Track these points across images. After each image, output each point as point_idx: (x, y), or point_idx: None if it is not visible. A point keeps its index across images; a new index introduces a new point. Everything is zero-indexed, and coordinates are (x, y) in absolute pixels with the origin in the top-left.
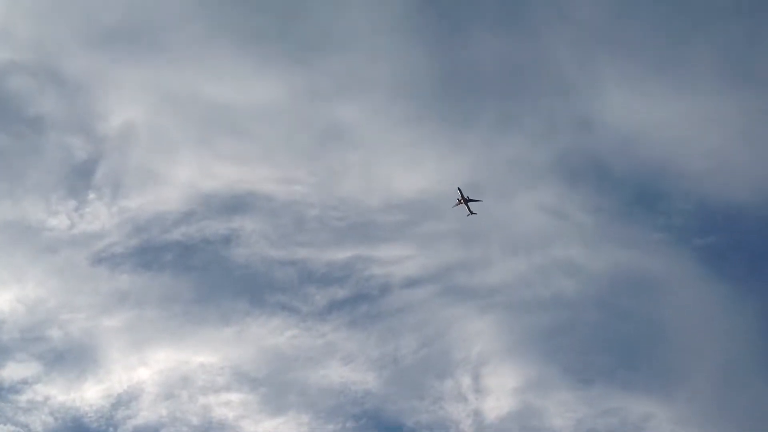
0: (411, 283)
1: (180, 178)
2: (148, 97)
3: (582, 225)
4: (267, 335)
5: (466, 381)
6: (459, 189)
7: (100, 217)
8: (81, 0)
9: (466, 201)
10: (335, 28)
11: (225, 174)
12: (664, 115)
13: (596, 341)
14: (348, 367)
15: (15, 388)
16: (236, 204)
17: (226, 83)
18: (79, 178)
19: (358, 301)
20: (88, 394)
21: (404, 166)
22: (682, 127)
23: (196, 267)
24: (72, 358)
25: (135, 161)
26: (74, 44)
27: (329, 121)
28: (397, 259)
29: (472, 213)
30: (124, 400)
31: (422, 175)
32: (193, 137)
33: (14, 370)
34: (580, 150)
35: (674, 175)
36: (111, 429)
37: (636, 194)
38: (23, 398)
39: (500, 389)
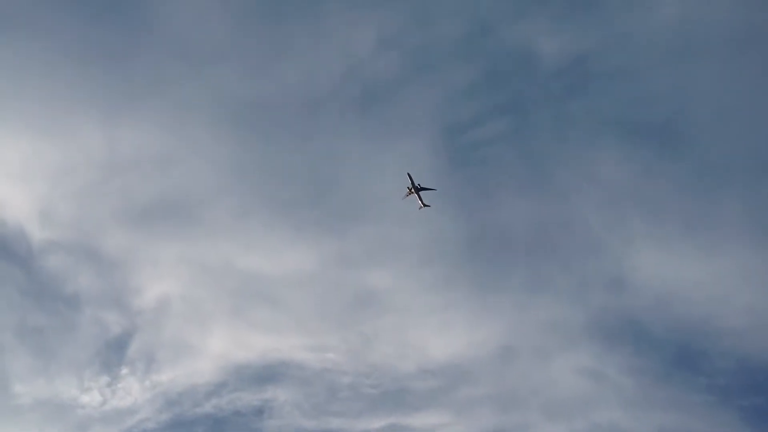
0: None
1: (213, 350)
2: (183, 271)
3: (622, 387)
4: None
5: None
6: (409, 175)
7: (132, 392)
8: (119, 180)
9: (417, 190)
10: (365, 197)
11: (257, 344)
12: (697, 273)
13: None
14: None
15: None
16: (268, 374)
17: (258, 253)
18: (113, 353)
19: None
20: None
21: (437, 330)
22: (717, 284)
23: None
24: None
25: (169, 334)
26: (111, 223)
27: (360, 287)
28: (433, 427)
29: (425, 205)
30: None
31: (455, 338)
32: (226, 308)
33: None
34: (615, 310)
35: (713, 334)
36: None
37: (675, 354)
38: None
39: None
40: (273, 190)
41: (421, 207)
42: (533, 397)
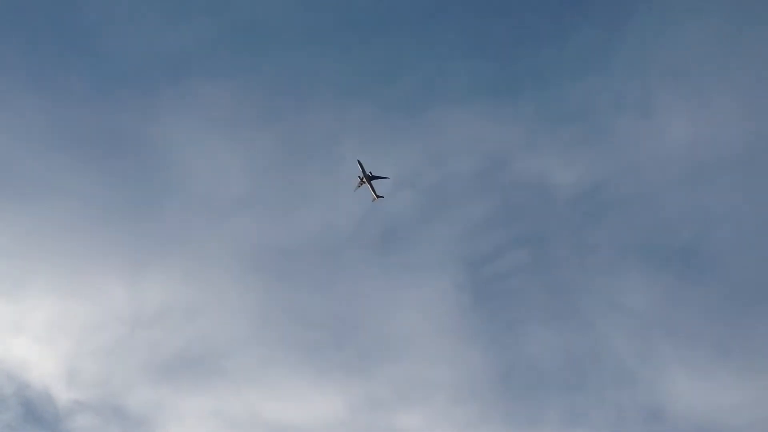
0: None
1: None
2: (209, 423)
3: None
4: None
5: None
6: (359, 162)
7: None
8: (144, 334)
9: (369, 179)
10: (391, 337)
11: None
12: (735, 397)
13: None
14: None
15: None
16: None
17: (285, 401)
18: None
19: None
20: None
21: None
22: (757, 407)
23: None
24: None
25: None
26: (138, 378)
27: (391, 430)
28: None
29: (378, 197)
30: None
31: None
32: None
33: None
34: None
35: None
36: None
37: None
38: None
39: None
40: (297, 336)
41: (374, 199)
42: None
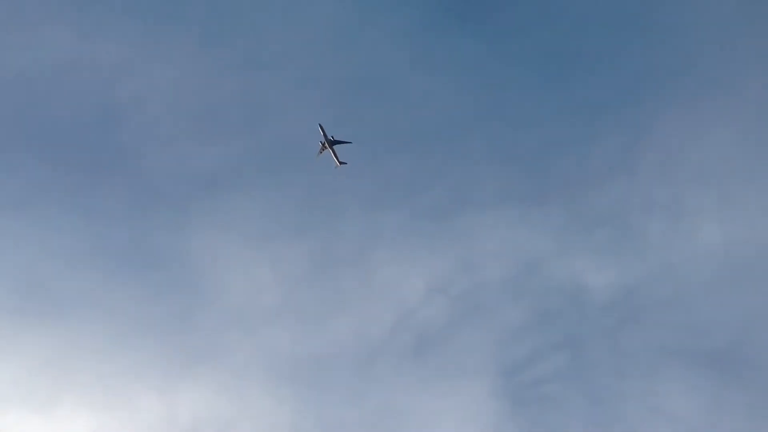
0: None
1: None
2: None
3: None
4: None
5: None
6: (320, 126)
7: None
8: None
9: (331, 144)
10: None
11: None
12: None
13: None
14: None
15: None
16: None
17: None
18: None
19: None
20: None
21: None
22: None
23: None
24: None
25: None
26: None
27: None
28: None
29: (341, 163)
30: None
31: None
32: None
33: None
34: None
35: None
36: None
37: None
38: None
39: None
40: None
41: (337, 166)
42: None
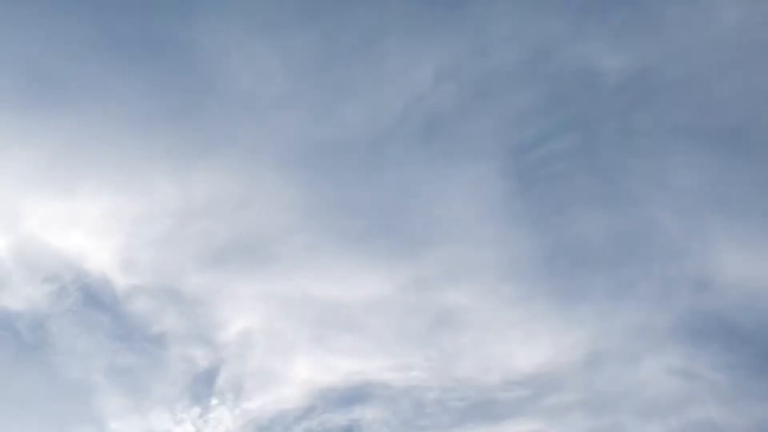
0: None
1: (298, 376)
2: (263, 305)
3: (715, 383)
4: None
5: None
6: None
7: (224, 421)
8: (194, 226)
9: None
10: (437, 222)
11: (341, 367)
12: None
13: None
14: None
15: None
16: (355, 395)
17: (334, 283)
18: (202, 386)
19: None
20: None
21: (519, 342)
22: None
23: None
24: None
25: (254, 364)
26: (190, 265)
27: (439, 307)
28: None
29: None
30: None
31: (539, 349)
32: (308, 335)
33: None
34: (702, 310)
35: None
36: None
37: None
38: None
39: None
40: (343, 225)
41: None
42: (624, 399)
